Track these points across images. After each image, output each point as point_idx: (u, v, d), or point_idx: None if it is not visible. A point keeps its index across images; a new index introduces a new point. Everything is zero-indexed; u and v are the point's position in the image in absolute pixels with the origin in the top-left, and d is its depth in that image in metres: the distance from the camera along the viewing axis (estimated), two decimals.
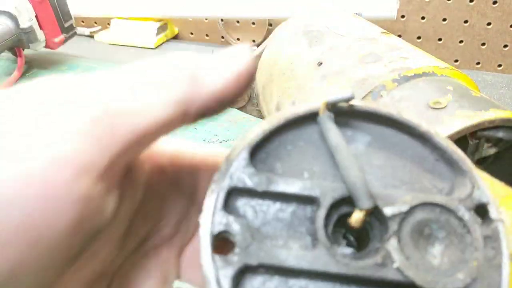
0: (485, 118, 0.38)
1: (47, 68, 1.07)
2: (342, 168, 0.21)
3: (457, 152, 0.22)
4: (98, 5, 1.19)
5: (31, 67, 1.07)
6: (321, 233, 0.20)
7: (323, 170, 0.22)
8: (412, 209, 0.20)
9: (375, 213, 0.21)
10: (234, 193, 0.21)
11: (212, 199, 0.21)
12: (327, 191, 0.21)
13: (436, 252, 0.20)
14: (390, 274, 0.19)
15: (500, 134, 0.40)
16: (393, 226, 0.20)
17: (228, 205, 0.21)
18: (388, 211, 0.20)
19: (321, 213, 0.21)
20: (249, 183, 0.21)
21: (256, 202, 0.21)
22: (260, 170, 0.22)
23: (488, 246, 0.20)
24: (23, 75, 1.03)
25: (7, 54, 1.10)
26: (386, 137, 0.23)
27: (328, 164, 0.22)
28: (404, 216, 0.20)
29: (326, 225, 0.21)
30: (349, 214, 0.21)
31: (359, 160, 0.22)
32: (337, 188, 0.21)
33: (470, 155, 0.42)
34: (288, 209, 0.21)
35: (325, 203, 0.21)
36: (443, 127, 0.38)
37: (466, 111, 0.39)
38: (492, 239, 0.20)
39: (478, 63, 1.02)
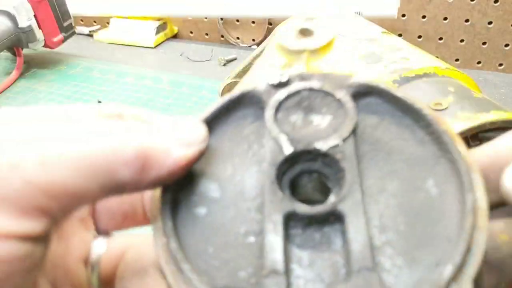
0: (487, 120, 0.38)
1: (46, 67, 1.07)
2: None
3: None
4: (97, 4, 1.18)
5: (30, 66, 1.07)
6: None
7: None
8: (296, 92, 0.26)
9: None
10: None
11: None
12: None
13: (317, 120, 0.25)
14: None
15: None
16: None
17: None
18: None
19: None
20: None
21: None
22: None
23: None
24: (22, 74, 1.03)
25: (6, 54, 1.10)
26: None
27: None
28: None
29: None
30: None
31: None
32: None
33: None
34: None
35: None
36: None
37: (467, 113, 0.39)
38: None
39: (479, 63, 1.02)
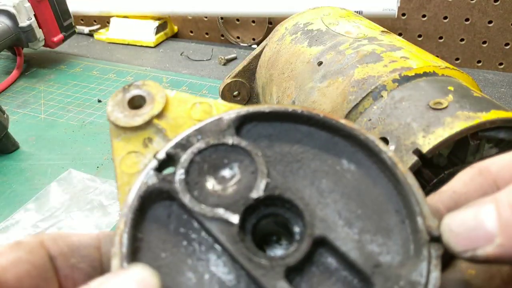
0: (486, 119, 0.38)
1: (46, 67, 1.07)
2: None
3: None
4: (97, 3, 1.18)
5: (30, 66, 1.07)
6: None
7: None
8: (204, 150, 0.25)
9: None
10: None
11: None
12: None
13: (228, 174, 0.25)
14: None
15: (501, 134, 0.40)
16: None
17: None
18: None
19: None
20: None
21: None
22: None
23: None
24: (22, 74, 1.03)
25: (6, 53, 1.10)
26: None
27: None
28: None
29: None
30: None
31: None
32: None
33: (471, 156, 0.42)
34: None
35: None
36: (444, 127, 0.38)
37: (467, 112, 0.39)
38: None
39: (479, 62, 1.02)
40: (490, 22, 0.96)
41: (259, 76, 0.67)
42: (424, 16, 1.00)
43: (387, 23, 1.03)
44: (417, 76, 0.45)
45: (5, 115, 0.74)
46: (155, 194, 0.24)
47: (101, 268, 0.25)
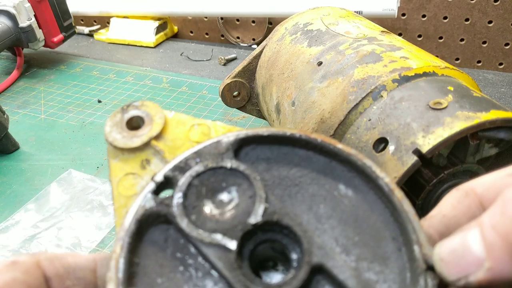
0: (486, 119, 0.38)
1: (46, 67, 1.07)
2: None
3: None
4: (98, 3, 1.19)
5: (31, 66, 1.07)
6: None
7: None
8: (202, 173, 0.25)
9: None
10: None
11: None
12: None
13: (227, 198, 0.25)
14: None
15: (501, 134, 0.40)
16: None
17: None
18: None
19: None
20: None
21: None
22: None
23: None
24: (22, 74, 1.03)
25: (6, 54, 1.10)
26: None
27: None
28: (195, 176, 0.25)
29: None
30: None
31: None
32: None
33: (471, 156, 0.42)
34: None
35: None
36: (444, 127, 0.38)
37: (467, 112, 0.39)
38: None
39: (479, 62, 1.02)
40: (490, 22, 0.96)
41: (259, 76, 0.67)
42: (424, 16, 1.00)
43: (387, 23, 1.03)
44: (417, 76, 0.45)
45: (5, 116, 0.74)
46: (152, 218, 0.24)
47: None
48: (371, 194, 0.25)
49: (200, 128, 0.27)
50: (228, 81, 0.70)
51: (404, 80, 0.45)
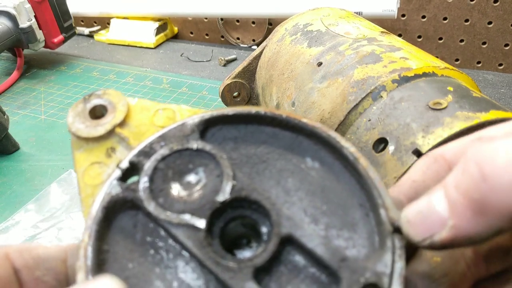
0: (486, 119, 0.38)
1: (46, 68, 1.07)
2: None
3: None
4: (98, 4, 1.19)
5: (31, 67, 1.07)
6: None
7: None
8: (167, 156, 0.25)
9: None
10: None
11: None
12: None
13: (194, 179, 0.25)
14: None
15: None
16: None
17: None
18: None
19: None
20: None
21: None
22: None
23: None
24: (22, 75, 1.03)
25: (6, 54, 1.10)
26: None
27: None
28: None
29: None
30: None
31: None
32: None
33: None
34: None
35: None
36: (443, 128, 0.38)
37: (466, 112, 0.39)
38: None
39: (479, 62, 1.02)
40: (489, 23, 0.96)
41: (259, 77, 0.68)
42: (423, 17, 1.01)
43: (387, 24, 1.03)
44: (417, 76, 0.45)
45: (5, 116, 0.74)
46: (119, 204, 0.24)
47: (66, 281, 0.24)
48: (337, 164, 0.26)
49: (165, 112, 0.27)
50: (228, 81, 0.71)
51: (403, 80, 0.45)
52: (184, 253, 0.23)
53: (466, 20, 0.98)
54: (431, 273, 0.24)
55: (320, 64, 0.53)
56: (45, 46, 1.02)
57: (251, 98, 0.73)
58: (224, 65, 1.05)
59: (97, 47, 1.19)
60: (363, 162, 0.24)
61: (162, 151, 0.25)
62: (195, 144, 0.25)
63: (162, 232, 0.24)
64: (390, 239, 0.23)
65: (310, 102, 0.51)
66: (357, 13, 0.91)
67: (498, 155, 0.19)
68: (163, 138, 0.25)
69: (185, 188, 0.24)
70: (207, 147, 0.25)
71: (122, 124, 0.26)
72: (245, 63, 0.69)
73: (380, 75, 0.46)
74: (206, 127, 0.26)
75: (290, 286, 0.23)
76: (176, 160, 0.25)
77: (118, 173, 0.24)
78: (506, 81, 0.92)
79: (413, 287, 0.24)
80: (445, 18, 0.99)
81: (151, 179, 0.24)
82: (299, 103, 0.53)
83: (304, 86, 0.53)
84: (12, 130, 0.76)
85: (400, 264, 0.22)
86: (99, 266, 0.22)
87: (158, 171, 0.24)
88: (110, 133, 0.26)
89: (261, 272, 0.23)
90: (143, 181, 0.24)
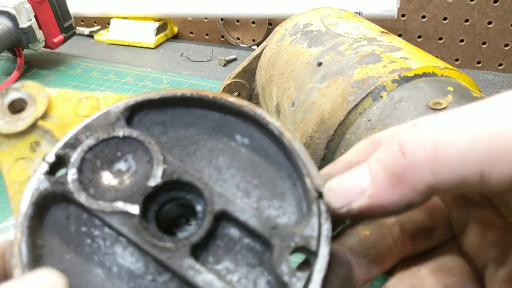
0: None
1: (46, 68, 1.07)
2: None
3: None
4: (98, 4, 1.19)
5: (31, 67, 1.07)
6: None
7: None
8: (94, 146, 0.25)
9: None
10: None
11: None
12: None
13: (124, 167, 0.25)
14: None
15: None
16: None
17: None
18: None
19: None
20: None
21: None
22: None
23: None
24: (22, 75, 1.03)
25: (6, 54, 1.10)
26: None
27: None
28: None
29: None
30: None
31: None
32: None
33: None
34: None
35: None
36: None
37: None
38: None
39: (479, 62, 1.02)
40: (489, 23, 0.96)
41: (259, 77, 0.68)
42: (423, 17, 1.01)
43: (387, 24, 1.03)
44: (417, 76, 0.45)
45: None
46: (49, 198, 0.24)
47: (5, 276, 0.24)
48: (265, 140, 0.26)
49: (88, 101, 0.27)
50: (228, 81, 0.71)
51: (403, 80, 0.45)
52: (121, 239, 0.24)
53: (466, 20, 0.98)
54: (359, 245, 0.26)
55: (320, 64, 0.53)
56: (45, 46, 1.02)
57: (251, 98, 0.73)
58: (224, 65, 1.05)
59: (97, 47, 1.19)
60: (288, 136, 0.25)
61: (88, 142, 0.25)
62: (121, 132, 0.25)
63: (97, 221, 0.24)
64: (315, 204, 0.24)
65: (310, 102, 0.51)
66: (357, 13, 0.91)
67: (417, 136, 0.21)
68: (88, 128, 0.25)
69: (115, 177, 0.24)
70: (134, 133, 0.25)
71: (44, 116, 0.26)
72: (245, 63, 0.69)
73: (380, 75, 0.46)
74: (132, 113, 0.26)
75: (227, 258, 0.24)
76: (104, 149, 0.25)
77: (45, 167, 0.24)
78: (506, 81, 0.92)
79: (341, 258, 0.25)
80: (445, 18, 0.99)
81: (80, 170, 0.24)
82: (299, 103, 0.53)
83: (304, 86, 0.53)
84: None
85: (326, 226, 0.23)
86: (35, 261, 0.22)
87: (86, 162, 0.24)
88: (33, 127, 0.26)
89: (198, 249, 0.24)
90: (71, 173, 0.24)
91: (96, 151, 0.25)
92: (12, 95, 0.26)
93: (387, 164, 0.22)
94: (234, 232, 0.24)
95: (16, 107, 0.26)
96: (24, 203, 0.23)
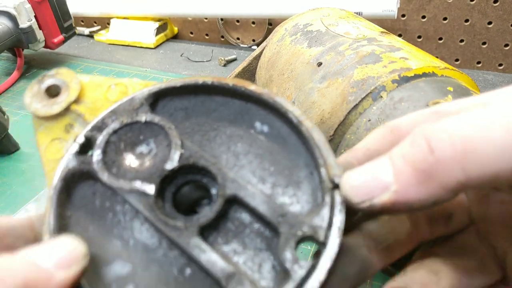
0: None
1: (46, 68, 1.07)
2: None
3: None
4: (98, 4, 1.19)
5: (31, 67, 1.07)
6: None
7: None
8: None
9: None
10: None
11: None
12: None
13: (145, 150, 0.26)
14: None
15: None
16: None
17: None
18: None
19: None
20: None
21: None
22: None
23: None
24: (22, 75, 1.03)
25: (6, 54, 1.10)
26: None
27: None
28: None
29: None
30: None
31: None
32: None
33: None
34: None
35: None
36: None
37: None
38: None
39: (479, 63, 1.02)
40: (489, 23, 0.96)
41: (259, 77, 0.68)
42: (423, 17, 1.01)
43: (386, 24, 1.03)
44: (417, 76, 0.45)
45: (5, 116, 0.74)
46: (77, 176, 0.26)
47: (36, 241, 0.25)
48: (284, 128, 0.27)
49: (118, 87, 0.28)
50: None
51: (403, 80, 0.45)
52: (139, 215, 0.25)
53: (466, 20, 0.98)
54: (378, 229, 0.26)
55: (320, 64, 0.53)
56: (45, 46, 1.02)
57: None
58: (224, 65, 1.05)
59: (97, 47, 1.19)
60: (307, 124, 0.26)
61: (113, 125, 0.26)
62: (144, 117, 0.27)
63: (119, 198, 0.26)
64: (329, 195, 0.24)
65: (310, 102, 0.51)
66: (357, 13, 0.91)
67: (445, 131, 0.21)
68: (114, 112, 0.27)
69: (137, 158, 0.26)
70: (156, 119, 0.27)
71: (77, 101, 0.28)
72: (245, 63, 0.69)
73: (380, 75, 0.46)
74: (156, 99, 0.28)
75: (236, 240, 0.25)
76: (127, 133, 0.27)
77: (75, 147, 0.26)
78: (506, 81, 0.92)
79: (356, 252, 0.25)
80: (445, 18, 0.99)
81: (104, 152, 0.26)
82: (299, 103, 0.53)
83: (304, 86, 0.53)
84: (12, 130, 0.76)
85: (339, 218, 0.23)
86: (62, 229, 0.24)
87: (110, 144, 0.26)
88: (67, 110, 0.28)
89: (208, 229, 0.25)
90: (97, 154, 0.26)
91: (120, 134, 0.26)
92: (48, 81, 0.28)
93: (414, 161, 0.21)
94: (245, 216, 0.25)
95: (52, 92, 0.28)
96: (55, 179, 0.25)
